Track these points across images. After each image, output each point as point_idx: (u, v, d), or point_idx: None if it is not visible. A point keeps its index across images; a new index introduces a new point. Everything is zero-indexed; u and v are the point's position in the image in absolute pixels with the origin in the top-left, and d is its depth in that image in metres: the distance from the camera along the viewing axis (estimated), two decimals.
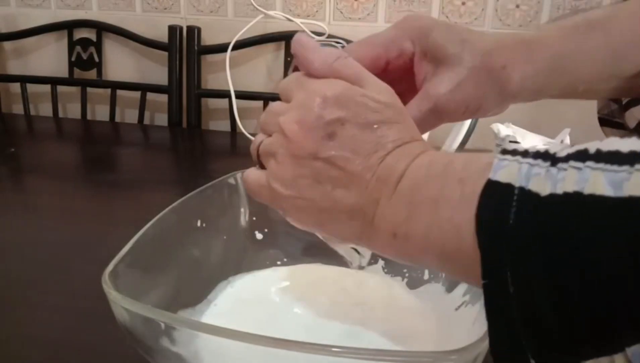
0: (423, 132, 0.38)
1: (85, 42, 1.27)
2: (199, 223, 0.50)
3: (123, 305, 0.33)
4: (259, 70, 1.22)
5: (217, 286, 0.50)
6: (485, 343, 0.30)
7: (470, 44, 0.38)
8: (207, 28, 1.21)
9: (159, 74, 1.24)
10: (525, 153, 0.23)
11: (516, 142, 0.73)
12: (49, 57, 1.32)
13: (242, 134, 1.03)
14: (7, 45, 1.34)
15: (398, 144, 0.30)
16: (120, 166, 1.01)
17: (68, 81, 1.29)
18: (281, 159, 0.32)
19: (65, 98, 1.33)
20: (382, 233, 0.29)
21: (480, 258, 0.22)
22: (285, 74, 1.17)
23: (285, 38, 1.16)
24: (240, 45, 1.14)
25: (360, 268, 0.47)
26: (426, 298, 0.49)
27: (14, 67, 1.35)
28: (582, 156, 0.21)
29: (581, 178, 0.20)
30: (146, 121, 1.28)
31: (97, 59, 1.27)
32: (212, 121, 1.28)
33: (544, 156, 0.22)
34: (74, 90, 1.30)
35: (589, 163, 0.20)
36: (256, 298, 0.50)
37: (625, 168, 0.19)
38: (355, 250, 0.39)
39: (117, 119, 1.30)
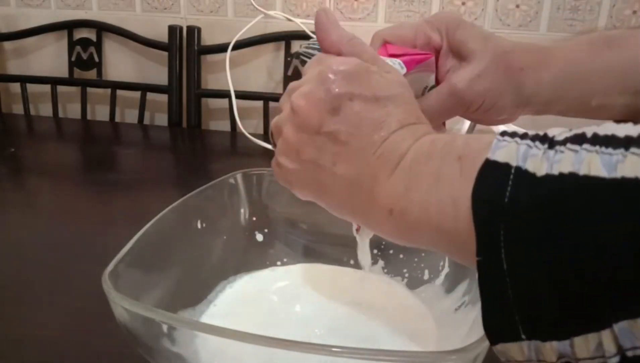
0: (436, 121, 0.39)
1: (85, 42, 1.27)
2: (199, 223, 0.50)
3: (123, 305, 0.33)
4: (259, 70, 1.22)
5: (217, 286, 0.50)
6: (486, 343, 0.30)
7: (492, 42, 0.41)
8: (207, 28, 1.21)
9: (159, 74, 1.24)
10: (524, 135, 0.24)
11: None
12: (49, 57, 1.32)
13: (242, 134, 1.03)
14: (7, 45, 1.34)
15: (403, 124, 0.30)
16: (120, 166, 1.00)
17: (68, 81, 1.29)
18: (286, 133, 0.32)
19: (65, 98, 1.33)
20: (378, 209, 0.29)
21: (475, 235, 0.23)
22: (285, 74, 1.17)
23: (285, 38, 1.16)
24: (240, 45, 1.14)
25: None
26: (426, 298, 0.49)
27: (14, 67, 1.35)
28: (579, 139, 0.22)
29: (577, 160, 0.21)
30: (146, 121, 1.28)
31: (97, 59, 1.27)
32: (212, 121, 1.28)
33: (542, 138, 0.23)
34: (74, 90, 1.30)
35: (586, 146, 0.21)
36: (256, 298, 0.50)
37: (620, 151, 0.20)
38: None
39: (117, 119, 1.30)
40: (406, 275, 0.53)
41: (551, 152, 0.22)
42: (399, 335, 0.44)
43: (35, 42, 1.31)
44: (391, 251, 0.54)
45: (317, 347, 0.29)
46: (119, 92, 1.27)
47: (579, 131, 0.22)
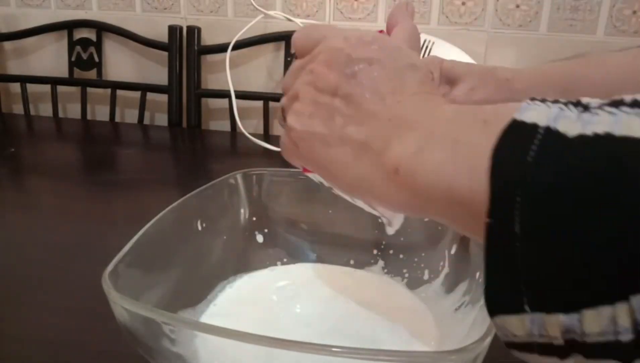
0: None
1: (85, 42, 1.27)
2: (199, 223, 0.50)
3: (123, 305, 0.33)
4: (259, 70, 1.22)
5: (217, 286, 0.50)
6: (486, 343, 0.30)
7: (475, 65, 0.47)
8: (207, 28, 1.21)
9: (159, 74, 1.24)
10: (556, 101, 0.22)
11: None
12: (49, 57, 1.32)
13: (242, 134, 1.03)
14: (7, 45, 1.34)
15: (422, 90, 0.30)
16: (120, 166, 1.01)
17: (68, 81, 1.29)
18: (303, 94, 0.32)
19: (65, 98, 1.33)
20: (383, 170, 0.27)
21: (488, 193, 0.21)
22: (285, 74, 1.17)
23: (285, 38, 1.16)
24: (240, 45, 1.14)
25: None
26: (426, 298, 0.49)
27: (14, 67, 1.35)
28: (616, 104, 0.20)
29: (614, 121, 0.19)
30: (146, 121, 1.28)
31: (97, 59, 1.27)
32: (212, 121, 1.28)
33: (576, 104, 0.21)
34: (74, 90, 1.30)
35: (624, 108, 0.19)
36: (256, 298, 0.50)
37: None
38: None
39: (117, 119, 1.30)
40: (406, 275, 0.53)
41: (586, 114, 0.20)
42: (399, 335, 0.44)
43: (35, 42, 1.31)
44: (391, 251, 0.54)
45: (317, 347, 0.29)
46: (119, 92, 1.27)
47: (616, 97, 0.21)
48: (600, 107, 0.20)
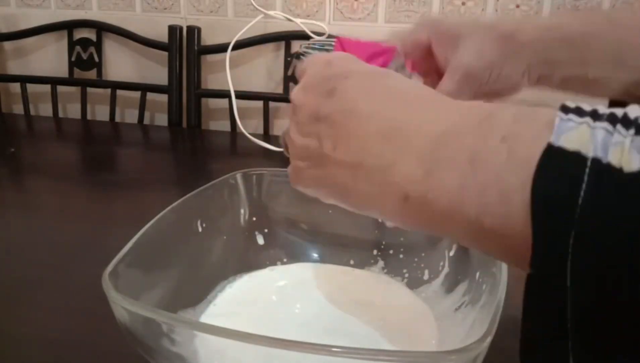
0: None
1: (85, 42, 1.27)
2: (199, 223, 0.50)
3: (123, 305, 0.33)
4: (259, 70, 1.22)
5: (217, 286, 0.50)
6: (486, 343, 0.30)
7: (478, 22, 0.44)
8: (207, 28, 1.21)
9: (159, 74, 1.24)
10: (595, 114, 0.19)
11: None
12: (49, 57, 1.32)
13: (242, 134, 1.03)
14: (7, 45, 1.34)
15: (408, 90, 0.29)
16: (120, 166, 1.01)
17: (68, 81, 1.29)
18: (292, 133, 0.32)
19: (65, 98, 1.33)
20: (391, 195, 0.25)
21: (532, 239, 0.18)
22: (285, 74, 1.17)
23: (285, 38, 1.16)
24: (240, 45, 1.14)
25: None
26: (426, 298, 0.49)
27: (14, 67, 1.35)
28: None
29: None
30: (146, 121, 1.28)
31: (97, 59, 1.27)
32: (212, 121, 1.28)
33: (624, 120, 0.18)
34: (74, 90, 1.30)
35: None
36: (256, 298, 0.50)
37: None
38: None
39: (117, 119, 1.30)
40: (406, 275, 0.53)
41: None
42: (399, 335, 0.44)
43: (35, 42, 1.31)
44: (391, 251, 0.54)
45: (316, 347, 0.29)
46: (119, 92, 1.27)
47: None
48: None
